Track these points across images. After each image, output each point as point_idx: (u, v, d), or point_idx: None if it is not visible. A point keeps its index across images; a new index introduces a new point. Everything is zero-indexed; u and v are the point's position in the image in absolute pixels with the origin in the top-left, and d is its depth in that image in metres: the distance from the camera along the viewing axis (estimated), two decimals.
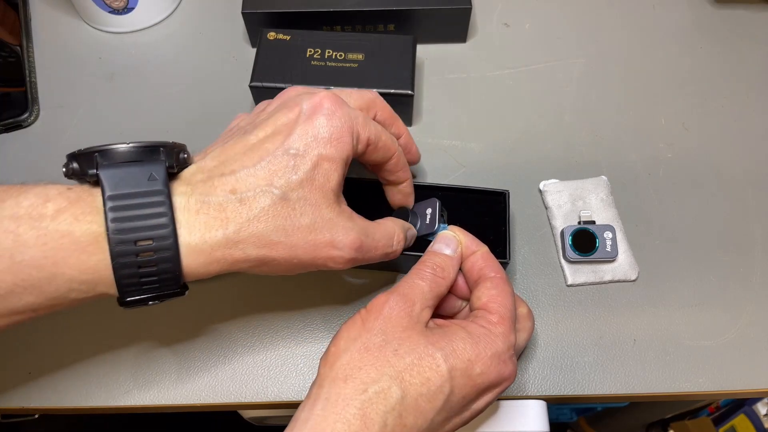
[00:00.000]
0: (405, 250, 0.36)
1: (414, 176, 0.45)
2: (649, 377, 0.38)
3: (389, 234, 0.33)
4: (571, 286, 0.41)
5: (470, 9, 0.49)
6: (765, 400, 0.87)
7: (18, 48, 0.51)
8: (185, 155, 0.30)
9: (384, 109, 0.36)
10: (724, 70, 0.51)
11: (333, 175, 0.29)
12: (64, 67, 0.52)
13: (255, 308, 0.40)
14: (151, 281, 0.27)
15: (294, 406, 0.38)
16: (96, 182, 0.27)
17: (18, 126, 0.48)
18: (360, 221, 0.31)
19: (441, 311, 0.35)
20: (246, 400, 0.38)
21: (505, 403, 0.37)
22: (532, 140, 0.47)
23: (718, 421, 0.88)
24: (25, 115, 0.48)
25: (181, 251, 0.27)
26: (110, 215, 0.26)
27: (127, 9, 0.52)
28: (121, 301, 0.28)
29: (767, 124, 0.48)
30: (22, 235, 0.25)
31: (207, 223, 0.27)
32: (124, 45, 0.53)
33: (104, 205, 0.26)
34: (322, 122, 0.29)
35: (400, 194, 0.37)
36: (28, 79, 0.50)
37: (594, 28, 0.54)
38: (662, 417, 0.88)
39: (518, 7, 0.55)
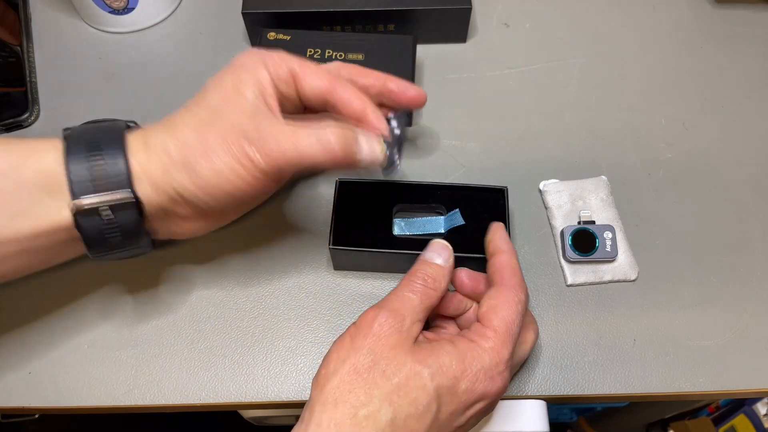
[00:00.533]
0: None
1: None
2: (649, 377, 0.38)
3: (323, 127, 0.32)
4: (571, 286, 0.41)
5: (470, 9, 0.49)
6: (765, 400, 0.87)
7: (18, 48, 0.51)
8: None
9: (346, 66, 0.36)
10: (724, 70, 0.51)
11: (244, 86, 0.31)
12: (64, 67, 0.52)
13: (255, 308, 0.40)
14: (100, 175, 0.29)
15: (294, 406, 0.38)
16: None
17: (18, 126, 0.48)
18: (287, 121, 0.32)
19: (444, 311, 0.35)
20: (246, 400, 0.38)
21: (505, 403, 0.37)
22: (532, 140, 0.47)
23: (718, 421, 0.89)
24: (25, 115, 0.48)
25: (127, 147, 0.30)
26: (69, 131, 0.31)
27: (127, 9, 0.52)
28: (76, 210, 0.29)
29: (767, 124, 0.48)
30: None
31: (144, 134, 0.31)
32: (124, 45, 0.53)
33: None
34: (236, 58, 0.33)
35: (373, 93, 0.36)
36: (28, 79, 0.50)
37: (594, 28, 0.54)
38: (662, 417, 0.89)
39: (518, 7, 0.55)
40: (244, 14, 0.49)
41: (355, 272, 0.41)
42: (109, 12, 0.51)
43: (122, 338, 0.39)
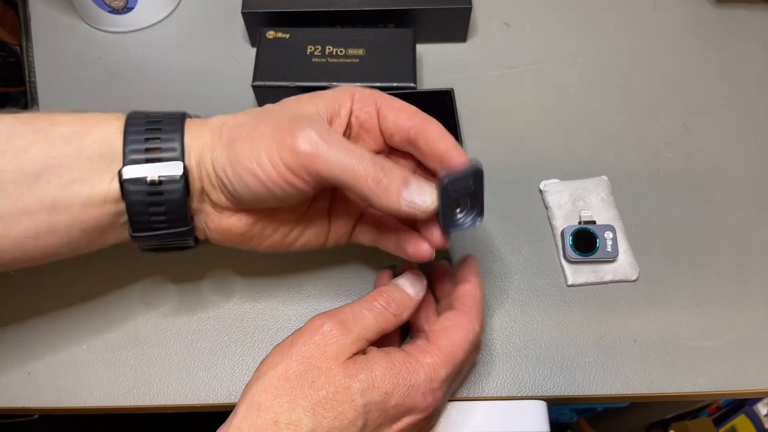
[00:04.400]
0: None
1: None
2: (650, 377, 0.38)
3: (372, 158, 0.28)
4: (571, 286, 0.41)
5: (470, 9, 0.49)
6: (765, 401, 0.87)
7: (18, 48, 0.51)
8: None
9: (362, 98, 0.32)
10: (724, 70, 0.51)
11: (319, 100, 0.31)
12: (63, 67, 0.52)
13: (255, 309, 0.40)
14: (154, 147, 0.29)
15: None
16: None
17: None
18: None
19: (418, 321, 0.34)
20: None
21: (505, 403, 0.37)
22: (532, 140, 0.47)
23: (719, 422, 0.88)
24: None
25: (185, 126, 0.30)
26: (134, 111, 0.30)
27: (126, 9, 0.52)
28: (124, 178, 0.28)
29: (767, 124, 0.48)
30: (57, 122, 0.28)
31: (210, 119, 0.31)
32: (124, 45, 0.53)
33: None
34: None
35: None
36: (27, 79, 0.50)
37: (594, 27, 0.54)
38: (662, 417, 0.88)
39: (518, 7, 0.55)
40: (244, 14, 0.49)
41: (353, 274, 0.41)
42: (109, 11, 0.51)
43: (121, 339, 0.39)
